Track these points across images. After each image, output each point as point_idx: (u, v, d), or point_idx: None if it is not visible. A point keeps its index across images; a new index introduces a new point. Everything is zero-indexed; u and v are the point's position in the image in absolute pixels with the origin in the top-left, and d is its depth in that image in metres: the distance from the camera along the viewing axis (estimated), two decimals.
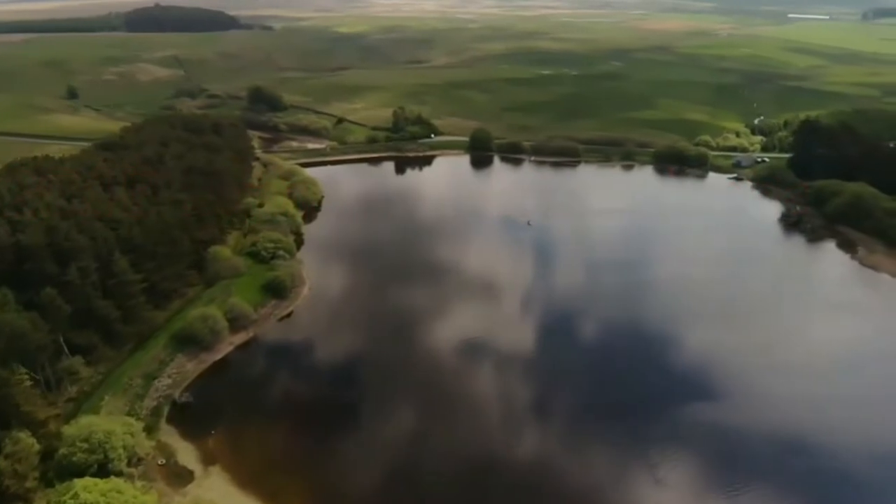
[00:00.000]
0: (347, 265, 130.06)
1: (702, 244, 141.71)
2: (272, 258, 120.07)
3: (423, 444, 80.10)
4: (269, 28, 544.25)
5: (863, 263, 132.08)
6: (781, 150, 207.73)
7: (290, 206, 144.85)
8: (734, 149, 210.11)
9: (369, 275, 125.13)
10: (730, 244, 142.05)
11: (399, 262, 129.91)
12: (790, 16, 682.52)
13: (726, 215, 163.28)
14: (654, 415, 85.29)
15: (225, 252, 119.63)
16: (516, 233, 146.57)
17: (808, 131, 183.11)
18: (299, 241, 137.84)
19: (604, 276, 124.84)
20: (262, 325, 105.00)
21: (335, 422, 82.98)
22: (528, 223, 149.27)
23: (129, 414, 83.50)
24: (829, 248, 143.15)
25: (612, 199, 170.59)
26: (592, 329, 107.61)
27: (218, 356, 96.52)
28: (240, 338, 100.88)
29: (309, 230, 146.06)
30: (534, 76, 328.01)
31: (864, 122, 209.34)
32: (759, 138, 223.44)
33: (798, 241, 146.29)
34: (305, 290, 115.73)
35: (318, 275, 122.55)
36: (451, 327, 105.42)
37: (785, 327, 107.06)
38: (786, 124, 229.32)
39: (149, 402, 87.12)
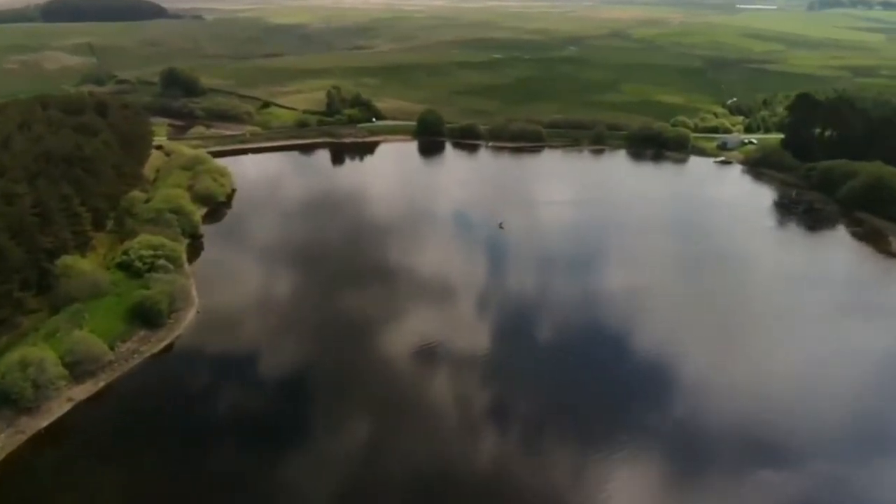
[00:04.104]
0: (256, 279, 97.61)
1: (702, 240, 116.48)
2: (149, 270, 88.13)
3: None
4: (199, 17, 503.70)
5: None
6: (766, 131, 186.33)
7: (184, 200, 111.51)
8: (715, 129, 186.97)
9: (284, 292, 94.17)
10: (736, 239, 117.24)
11: (326, 276, 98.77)
12: (738, 6, 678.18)
13: (721, 204, 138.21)
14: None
15: (82, 264, 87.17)
16: (485, 240, 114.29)
17: (805, 107, 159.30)
18: (197, 247, 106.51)
19: (595, 286, 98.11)
20: (121, 367, 72.61)
21: None
22: (500, 226, 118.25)
23: None
24: (849, 239, 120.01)
25: (588, 190, 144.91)
26: (587, 364, 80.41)
27: (45, 422, 64.29)
28: (84, 390, 68.70)
29: (211, 232, 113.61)
30: (487, 59, 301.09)
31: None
32: (741, 118, 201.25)
33: (812, 233, 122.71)
34: (192, 314, 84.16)
35: (214, 291, 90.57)
36: (396, 379, 74.73)
37: (831, 339, 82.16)
38: (765, 103, 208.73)
39: None
